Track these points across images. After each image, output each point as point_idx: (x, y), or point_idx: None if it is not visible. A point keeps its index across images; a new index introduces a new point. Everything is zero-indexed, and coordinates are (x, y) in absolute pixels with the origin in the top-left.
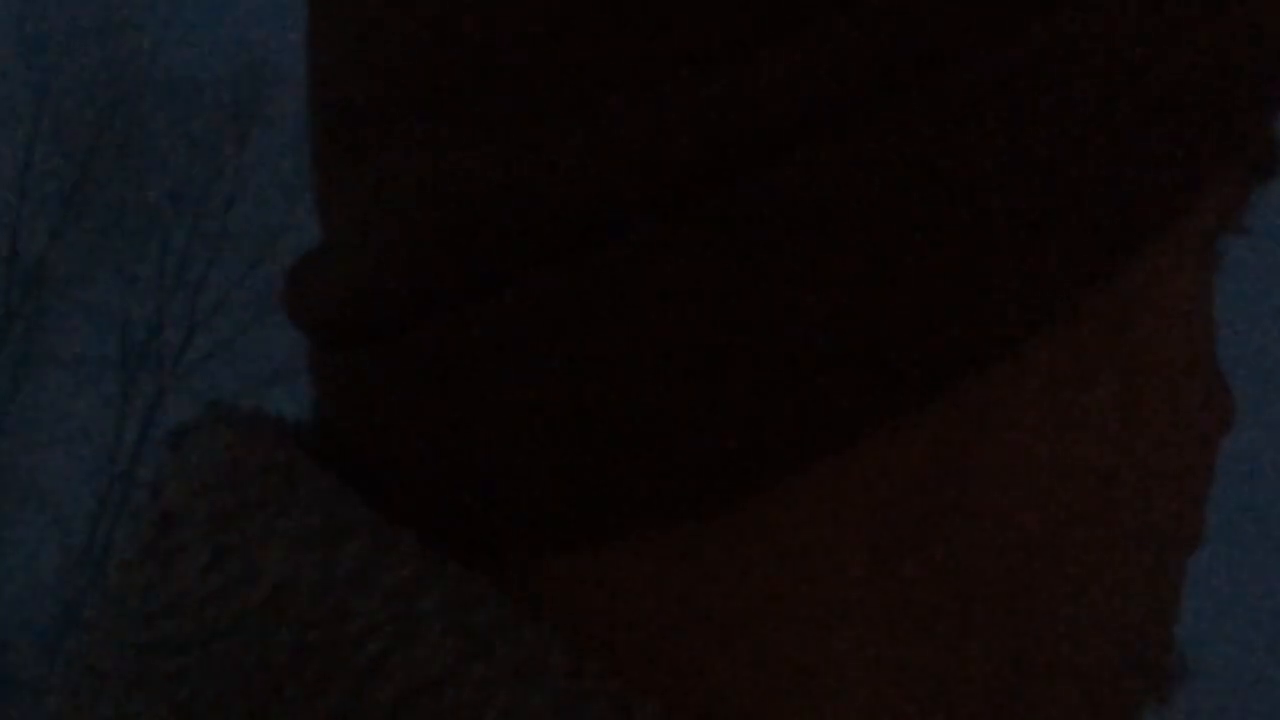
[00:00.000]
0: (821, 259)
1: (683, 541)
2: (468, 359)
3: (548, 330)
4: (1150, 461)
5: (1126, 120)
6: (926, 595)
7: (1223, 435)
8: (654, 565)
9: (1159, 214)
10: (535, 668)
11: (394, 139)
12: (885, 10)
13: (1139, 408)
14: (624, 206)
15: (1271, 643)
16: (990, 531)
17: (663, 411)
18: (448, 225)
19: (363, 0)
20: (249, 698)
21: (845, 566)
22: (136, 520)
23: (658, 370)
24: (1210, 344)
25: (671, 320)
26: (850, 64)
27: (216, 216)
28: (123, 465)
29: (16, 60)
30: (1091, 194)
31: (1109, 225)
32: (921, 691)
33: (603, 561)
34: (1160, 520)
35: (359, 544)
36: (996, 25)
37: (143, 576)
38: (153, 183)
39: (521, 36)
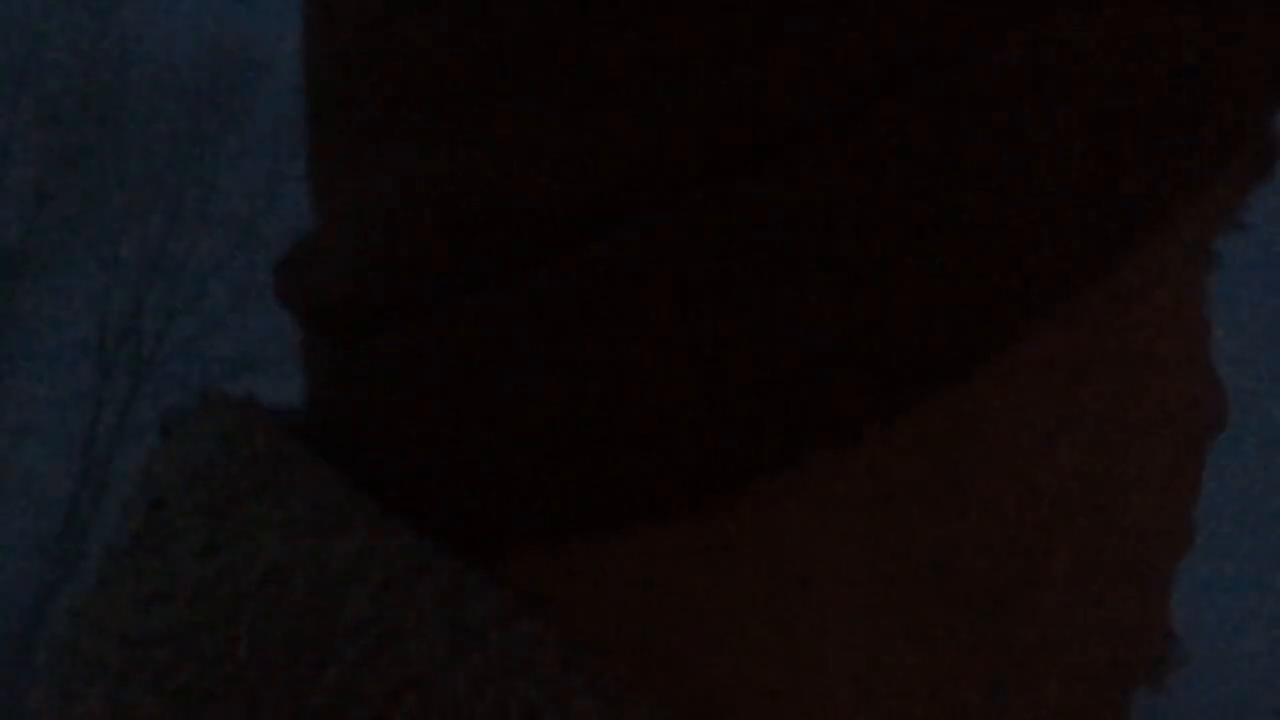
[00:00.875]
0: (817, 258)
1: (676, 538)
2: (465, 353)
3: (545, 326)
4: (1142, 460)
5: (1122, 120)
6: (918, 593)
7: (1216, 435)
8: (647, 561)
9: (1154, 214)
10: (528, 661)
11: (392, 135)
12: (882, 10)
13: (1132, 407)
14: (621, 205)
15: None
16: (982, 530)
17: (657, 408)
18: (446, 222)
19: None
20: (241, 688)
21: (838, 565)
22: (127, 508)
23: (653, 367)
24: (1205, 344)
25: (667, 318)
26: (847, 64)
27: (196, 204)
28: (99, 452)
29: None
30: (1087, 193)
31: (1104, 225)
32: (912, 690)
33: (597, 556)
34: (1151, 520)
35: (353, 534)
36: (993, 25)
37: (134, 565)
38: (131, 169)
39: (520, 36)
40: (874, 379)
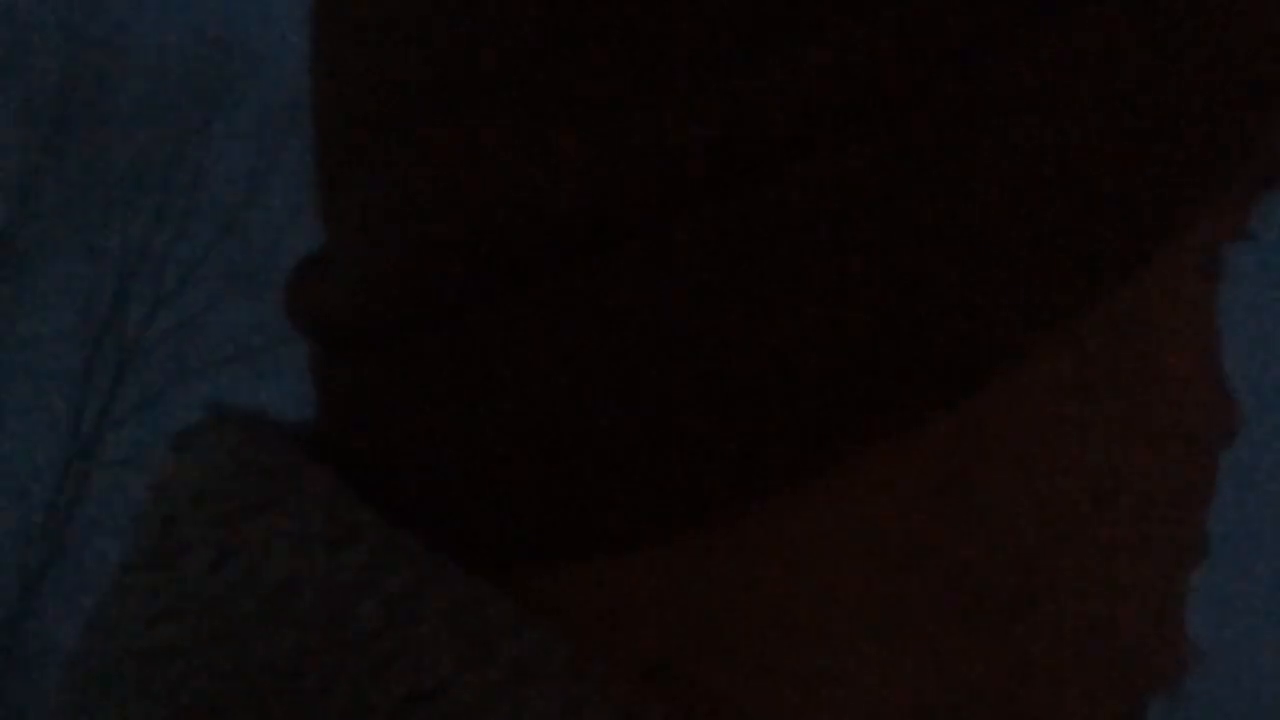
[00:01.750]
0: (825, 268)
1: (687, 550)
2: (473, 366)
3: (554, 337)
4: (1152, 472)
5: (1130, 135)
6: (929, 604)
7: (1226, 446)
8: (658, 573)
9: (1162, 227)
10: (539, 672)
11: (399, 146)
12: (889, 21)
13: (1141, 419)
14: (629, 214)
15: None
16: (992, 542)
17: (668, 421)
18: (453, 233)
19: (368, 9)
20: (252, 701)
21: (848, 576)
22: (138, 522)
23: (661, 378)
24: (1214, 355)
25: (676, 330)
26: (854, 73)
27: (182, 193)
28: (84, 442)
29: None
30: (1096, 207)
31: (1113, 239)
32: (924, 700)
33: (607, 569)
34: (1162, 530)
35: (362, 547)
36: (1000, 39)
37: (145, 580)
38: (117, 159)
39: (527, 46)
40: (879, 391)
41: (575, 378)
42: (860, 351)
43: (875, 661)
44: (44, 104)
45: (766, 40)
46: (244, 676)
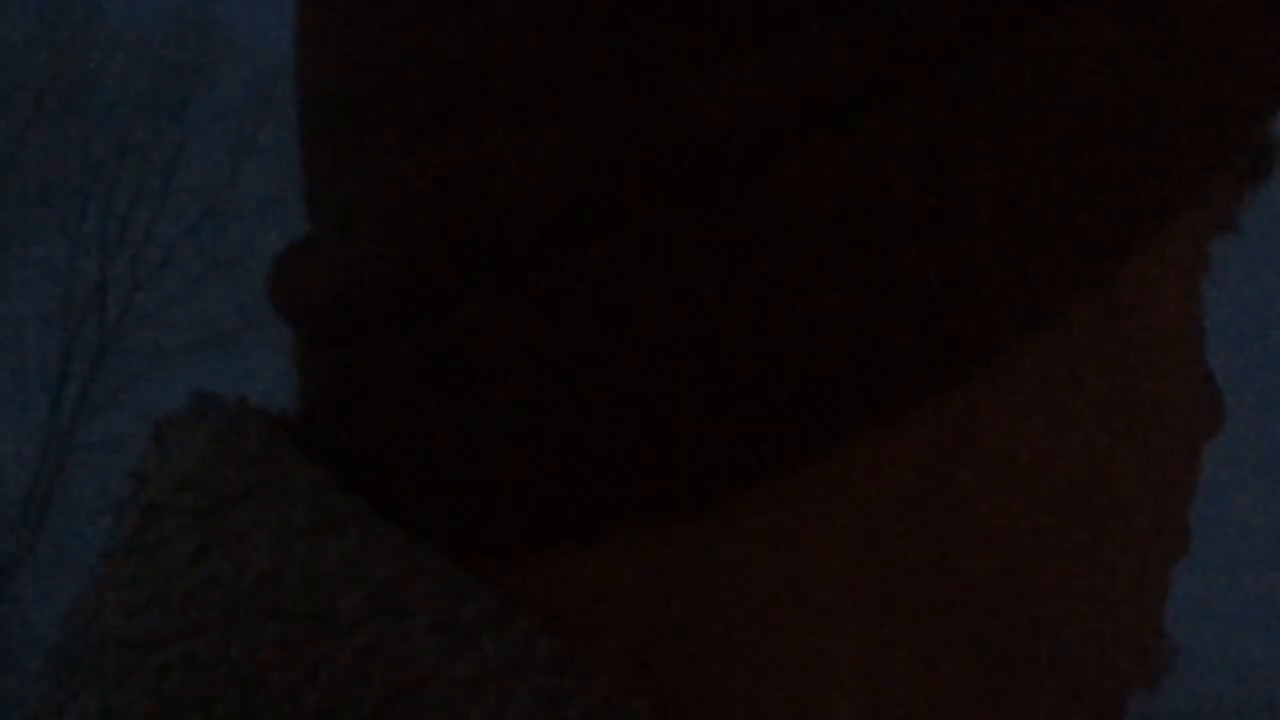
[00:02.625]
0: (812, 260)
1: (671, 544)
2: (457, 357)
3: (538, 329)
4: (1137, 464)
5: (1117, 126)
6: (915, 596)
7: (1212, 438)
8: (642, 566)
9: (1149, 219)
10: (522, 664)
11: (384, 136)
12: (878, 14)
13: (1127, 411)
14: (618, 207)
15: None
16: (978, 532)
17: (653, 412)
18: (442, 225)
19: None
20: (234, 692)
21: (835, 567)
22: (120, 510)
23: (647, 369)
24: (1200, 348)
25: (663, 322)
26: (843, 66)
27: (161, 174)
28: (62, 425)
29: None
30: (1082, 199)
31: (1099, 230)
32: (910, 691)
33: (590, 559)
34: (1147, 522)
35: (345, 538)
36: (989, 31)
37: (127, 569)
38: (96, 139)
39: (514, 37)
40: (865, 382)
41: (560, 369)
42: (847, 343)
43: (860, 654)
44: (22, 82)
45: (756, 34)
46: (226, 667)
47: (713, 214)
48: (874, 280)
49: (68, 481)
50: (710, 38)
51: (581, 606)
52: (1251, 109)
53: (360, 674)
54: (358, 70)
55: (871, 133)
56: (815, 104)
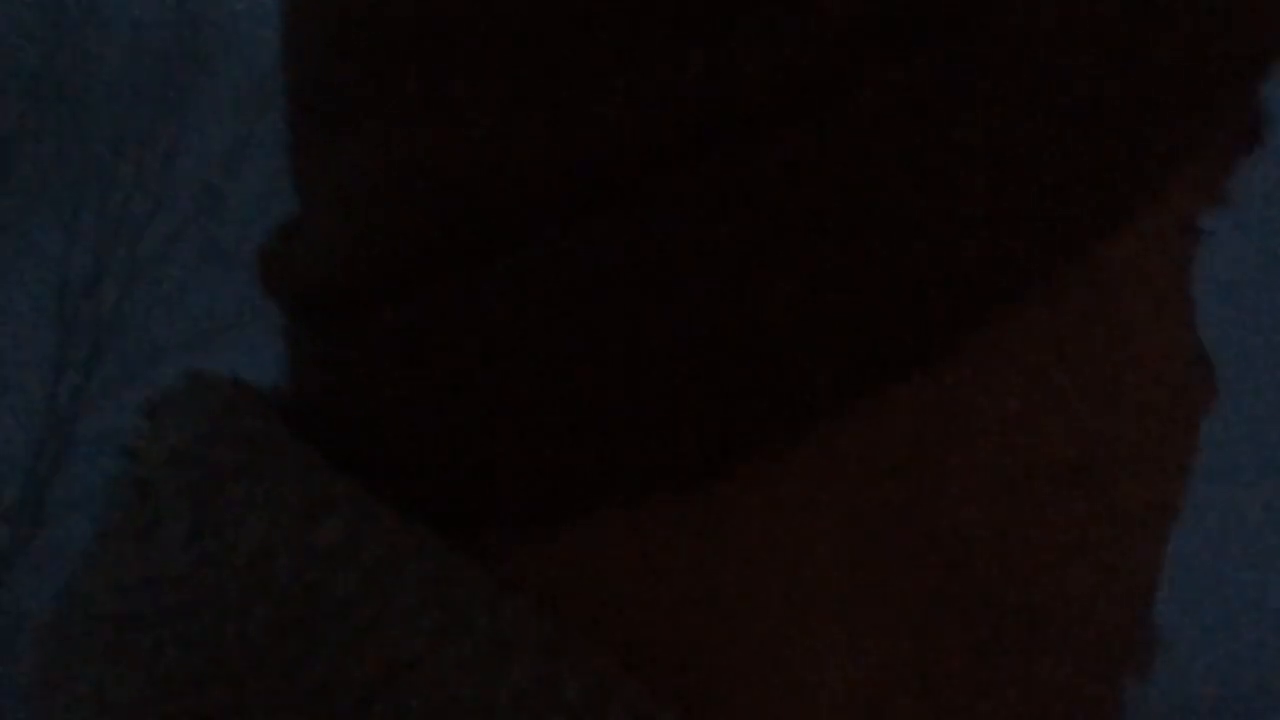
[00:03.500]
0: (794, 240)
1: (660, 521)
2: (447, 337)
3: (526, 309)
4: (1129, 442)
5: (1101, 100)
6: (902, 579)
7: (1206, 414)
8: (633, 544)
9: (1135, 190)
10: (514, 644)
11: (373, 118)
12: None
13: (1118, 388)
14: (605, 185)
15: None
16: (966, 514)
17: (642, 389)
18: (431, 202)
19: None
20: (227, 672)
21: (821, 551)
22: (113, 489)
23: (633, 349)
24: (1192, 323)
25: (652, 298)
26: (824, 47)
27: (158, 168)
28: (60, 417)
29: None
30: (1066, 170)
31: (1083, 201)
32: (897, 675)
33: (583, 539)
34: (1138, 500)
35: (338, 518)
36: (972, 8)
37: (120, 548)
38: (94, 131)
39: (498, 21)
40: (848, 360)
41: (547, 346)
42: (833, 318)
43: (846, 636)
44: (20, 74)
45: (747, 8)
46: (219, 647)
47: (694, 191)
48: (854, 257)
49: (66, 474)
50: (692, 23)
51: (574, 587)
52: (1236, 79)
53: (354, 655)
54: (343, 54)
55: (853, 112)
56: (795, 87)
